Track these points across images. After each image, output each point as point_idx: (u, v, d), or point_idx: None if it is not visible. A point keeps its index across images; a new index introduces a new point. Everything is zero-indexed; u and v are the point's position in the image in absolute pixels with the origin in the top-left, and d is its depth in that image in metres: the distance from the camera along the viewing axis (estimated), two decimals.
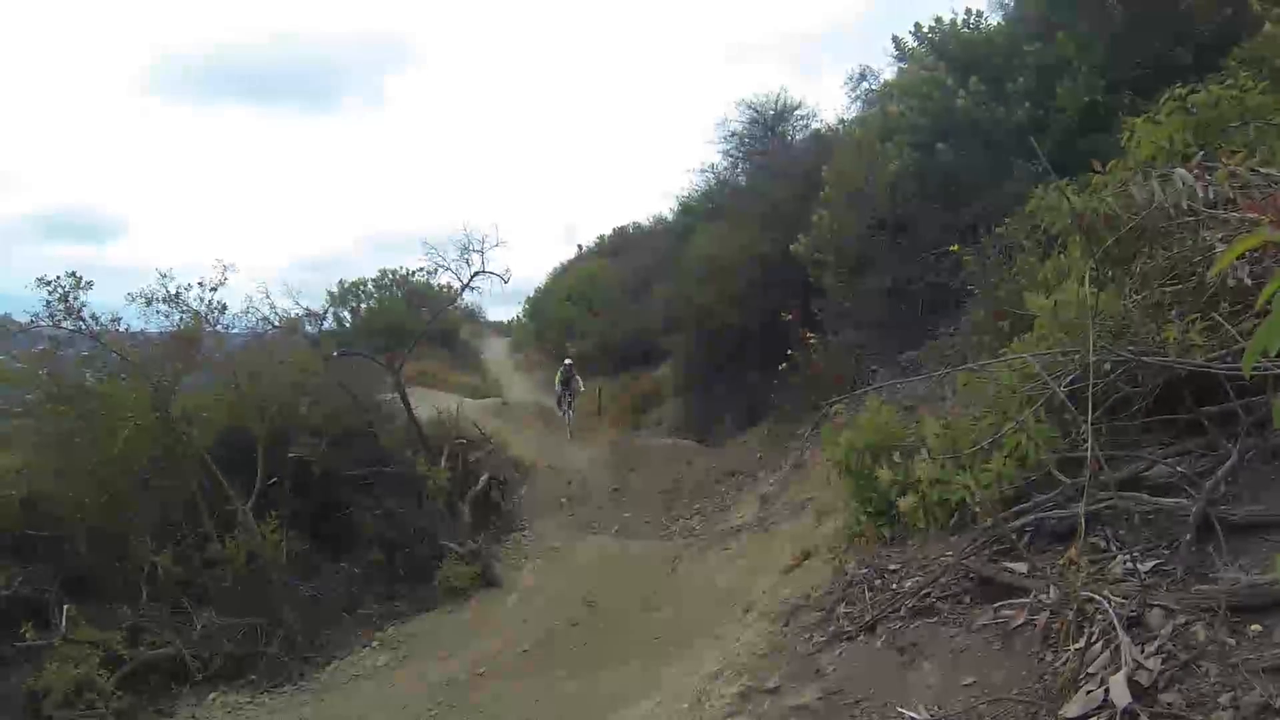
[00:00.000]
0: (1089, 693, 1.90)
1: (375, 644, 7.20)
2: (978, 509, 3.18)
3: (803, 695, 2.83)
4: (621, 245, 20.83)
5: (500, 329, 25.33)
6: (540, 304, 20.84)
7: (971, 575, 2.89)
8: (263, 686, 6.62)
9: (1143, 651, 1.93)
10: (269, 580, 7.07)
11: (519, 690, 5.71)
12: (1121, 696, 1.81)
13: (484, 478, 9.56)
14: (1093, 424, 2.45)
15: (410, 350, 10.56)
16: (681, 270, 12.30)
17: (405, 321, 15.16)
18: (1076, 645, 2.07)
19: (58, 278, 7.12)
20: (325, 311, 11.32)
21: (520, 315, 23.20)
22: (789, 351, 8.79)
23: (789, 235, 9.04)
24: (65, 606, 6.33)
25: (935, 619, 2.79)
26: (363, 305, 18.03)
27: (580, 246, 24.53)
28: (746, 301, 10.22)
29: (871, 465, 3.82)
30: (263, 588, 7.06)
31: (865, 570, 3.45)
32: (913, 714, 2.32)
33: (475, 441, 10.25)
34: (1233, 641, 1.89)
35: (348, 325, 17.16)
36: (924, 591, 2.98)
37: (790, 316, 9.05)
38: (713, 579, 6.22)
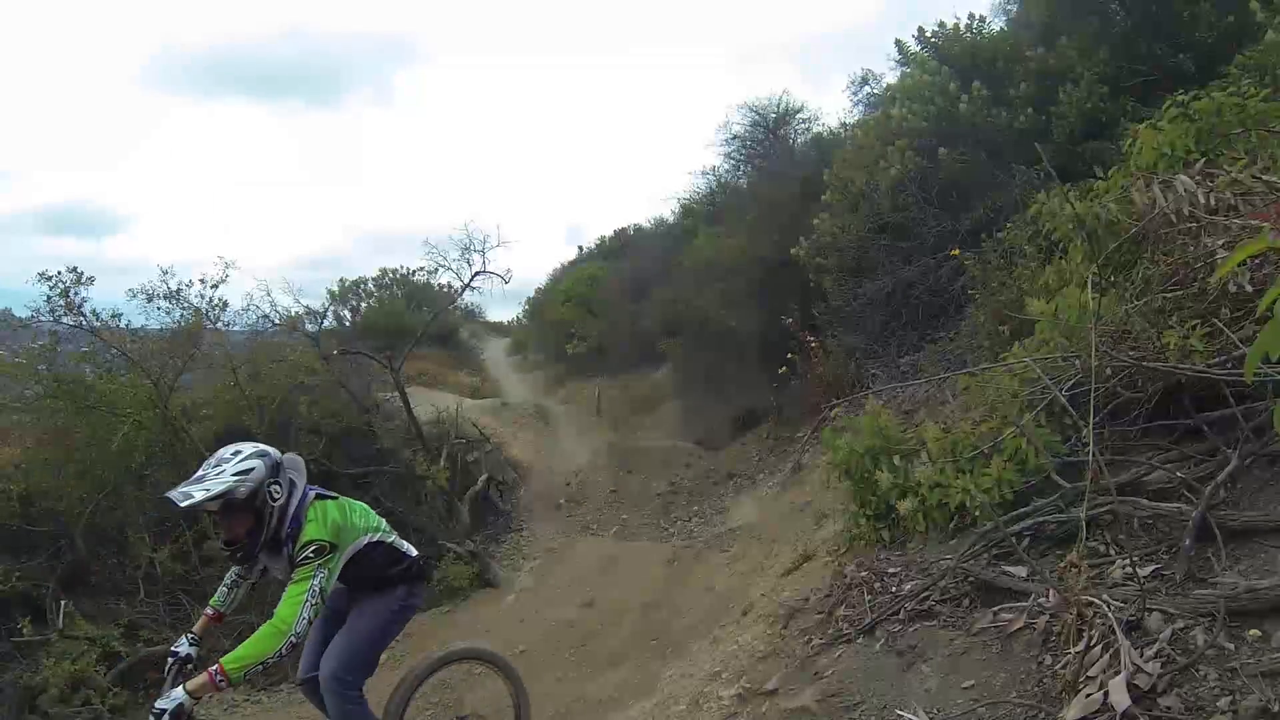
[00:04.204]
0: (1088, 696, 1.91)
1: None
2: (977, 512, 3.19)
3: (801, 697, 2.83)
4: (622, 247, 20.82)
5: (500, 329, 25.31)
6: (540, 305, 20.82)
7: (971, 579, 2.89)
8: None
9: (1142, 655, 1.94)
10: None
11: None
12: (1121, 700, 1.81)
13: (483, 478, 9.57)
14: (1093, 429, 2.46)
15: (410, 349, 10.54)
16: (682, 272, 12.29)
17: (405, 321, 15.16)
18: (1076, 649, 2.08)
19: (59, 273, 7.13)
20: (325, 310, 11.28)
21: (520, 316, 23.24)
22: (789, 354, 8.82)
23: (790, 238, 9.04)
24: (62, 602, 6.32)
25: (934, 622, 2.79)
26: (363, 304, 18.05)
27: (580, 248, 24.56)
28: (746, 304, 10.20)
29: (871, 468, 3.82)
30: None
31: (864, 573, 3.45)
32: (911, 716, 2.32)
33: (474, 441, 10.25)
34: (1231, 646, 1.90)
35: (348, 324, 17.14)
36: (923, 594, 2.98)
37: (790, 319, 9.08)
38: (711, 581, 6.20)
